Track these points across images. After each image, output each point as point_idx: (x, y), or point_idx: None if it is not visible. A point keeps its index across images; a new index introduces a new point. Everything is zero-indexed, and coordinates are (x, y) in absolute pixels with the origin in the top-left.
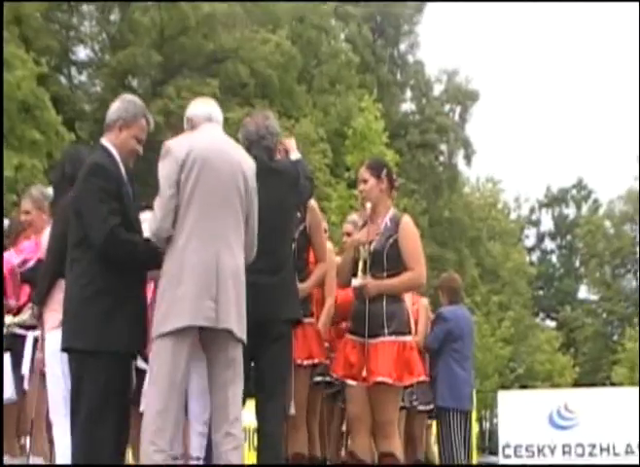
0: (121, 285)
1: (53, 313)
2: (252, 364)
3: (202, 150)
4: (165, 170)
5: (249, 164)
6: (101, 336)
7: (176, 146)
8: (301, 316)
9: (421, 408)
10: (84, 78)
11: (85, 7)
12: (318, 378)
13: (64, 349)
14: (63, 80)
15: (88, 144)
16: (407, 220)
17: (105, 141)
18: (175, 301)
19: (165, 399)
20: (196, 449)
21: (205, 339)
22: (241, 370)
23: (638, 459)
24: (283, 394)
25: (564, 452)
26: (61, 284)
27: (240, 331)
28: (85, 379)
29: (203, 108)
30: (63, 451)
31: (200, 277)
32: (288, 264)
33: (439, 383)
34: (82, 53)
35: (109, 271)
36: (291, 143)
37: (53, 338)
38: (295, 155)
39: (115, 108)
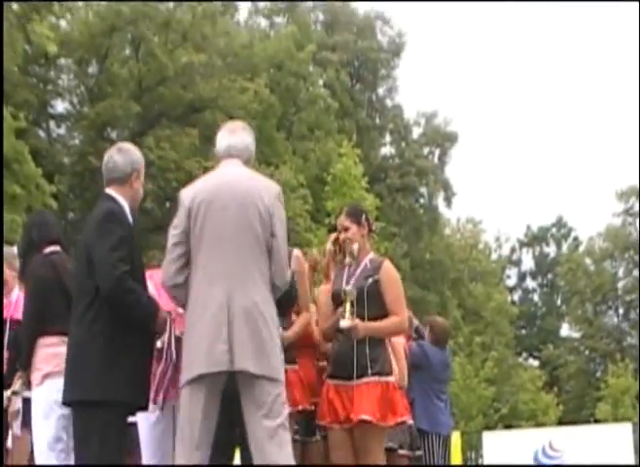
0: (130, 338)
1: (37, 372)
2: None
3: (208, 193)
4: (175, 220)
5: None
6: (106, 386)
7: (184, 194)
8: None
9: (402, 452)
10: (62, 131)
11: (62, 60)
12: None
13: (65, 403)
14: (42, 133)
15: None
16: (388, 264)
17: (113, 193)
18: (190, 349)
19: (187, 453)
20: None
21: (231, 384)
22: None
23: None
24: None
25: None
26: (40, 342)
27: (261, 368)
28: (87, 432)
29: (224, 141)
30: None
31: (211, 321)
32: None
33: (416, 409)
34: (60, 106)
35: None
36: None
37: (41, 394)
38: None
39: (127, 160)
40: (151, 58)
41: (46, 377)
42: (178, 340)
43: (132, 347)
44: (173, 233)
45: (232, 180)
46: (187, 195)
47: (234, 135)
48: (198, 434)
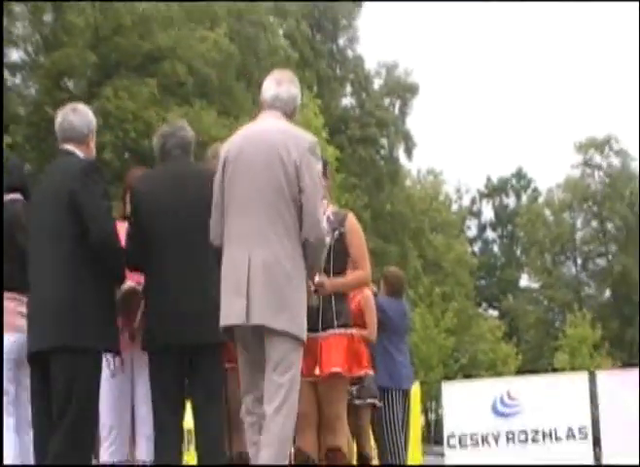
0: (108, 285)
1: None
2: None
3: (237, 146)
4: (215, 177)
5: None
6: (99, 334)
7: (223, 147)
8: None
9: (368, 401)
10: (17, 80)
11: (16, 8)
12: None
13: (57, 348)
14: None
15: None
16: (352, 217)
17: (73, 149)
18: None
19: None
20: (145, 453)
21: (250, 338)
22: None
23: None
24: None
25: (508, 440)
26: None
27: (279, 323)
28: (78, 379)
29: (269, 91)
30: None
31: (231, 278)
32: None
33: (377, 366)
34: (14, 54)
35: (99, 269)
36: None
37: None
38: None
39: (83, 121)
40: (108, 7)
41: None
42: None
43: (110, 295)
44: (214, 189)
45: (263, 133)
46: (223, 148)
47: (281, 86)
48: (246, 380)
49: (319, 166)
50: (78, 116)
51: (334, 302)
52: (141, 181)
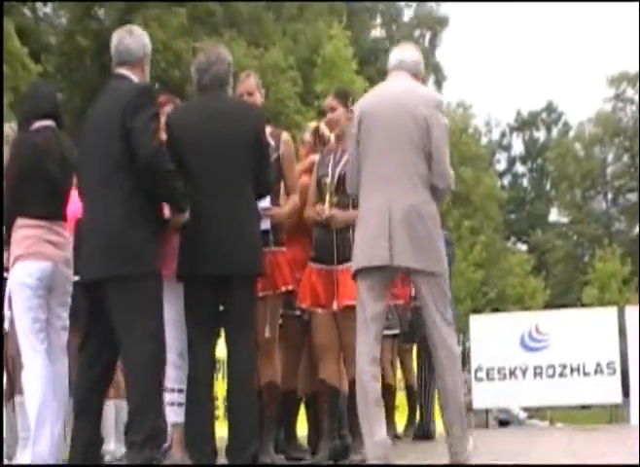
0: (158, 210)
1: (10, 254)
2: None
3: (371, 104)
4: (351, 131)
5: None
6: (157, 259)
7: (357, 105)
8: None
9: (386, 332)
10: (48, 9)
11: None
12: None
13: (116, 276)
14: (27, 11)
15: (54, 78)
16: None
17: (127, 73)
18: (355, 246)
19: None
20: (174, 381)
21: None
22: (443, 300)
23: (620, 377)
24: (253, 328)
25: (535, 374)
26: (16, 223)
27: (420, 263)
28: (148, 303)
29: (395, 55)
30: (35, 388)
31: (374, 223)
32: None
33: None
34: None
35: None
36: (250, 84)
37: (12, 276)
38: (257, 97)
39: (139, 44)
40: None
41: (17, 259)
42: None
43: (163, 221)
44: (351, 143)
45: (394, 92)
46: (357, 106)
47: (404, 51)
48: (370, 313)
49: (445, 120)
50: (134, 38)
51: (350, 234)
52: (177, 114)
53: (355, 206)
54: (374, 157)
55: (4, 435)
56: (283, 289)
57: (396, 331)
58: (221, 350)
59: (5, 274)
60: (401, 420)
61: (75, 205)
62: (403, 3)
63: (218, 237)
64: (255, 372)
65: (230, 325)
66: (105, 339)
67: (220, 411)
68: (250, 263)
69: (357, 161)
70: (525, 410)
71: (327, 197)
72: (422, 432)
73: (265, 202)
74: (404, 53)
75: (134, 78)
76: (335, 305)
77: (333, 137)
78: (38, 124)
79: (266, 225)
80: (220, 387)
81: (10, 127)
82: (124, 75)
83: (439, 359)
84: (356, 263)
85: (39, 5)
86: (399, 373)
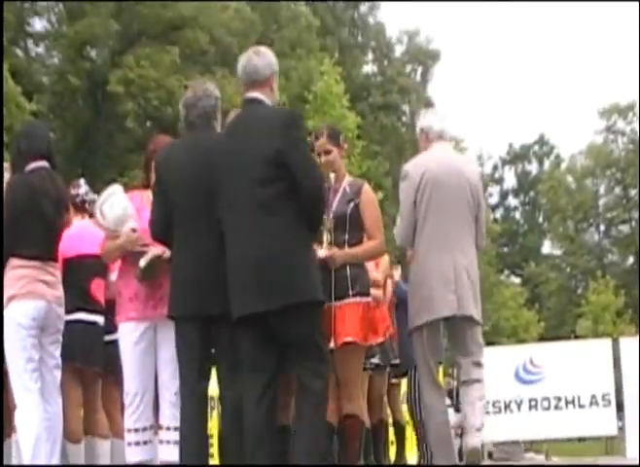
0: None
1: (4, 294)
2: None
3: (434, 172)
4: (404, 192)
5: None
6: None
7: (413, 170)
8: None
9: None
10: (41, 50)
11: None
12: None
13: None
14: (20, 52)
15: (46, 117)
16: (367, 187)
17: (260, 96)
18: (424, 299)
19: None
20: (170, 419)
21: (452, 327)
22: (480, 346)
23: (615, 409)
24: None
25: (530, 406)
26: (9, 263)
27: (478, 315)
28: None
29: (439, 124)
30: (28, 428)
31: (443, 279)
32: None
33: (402, 348)
34: (38, 24)
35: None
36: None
37: (7, 316)
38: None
39: (266, 63)
40: None
41: (10, 299)
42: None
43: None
44: (406, 202)
45: (450, 161)
46: (416, 170)
47: (444, 120)
48: (432, 365)
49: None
50: (261, 58)
51: (348, 270)
52: (165, 152)
53: (350, 245)
54: (436, 218)
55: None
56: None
57: (396, 361)
58: (213, 388)
59: None
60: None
61: (64, 245)
62: (394, 38)
63: (206, 277)
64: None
65: (221, 365)
66: None
67: (214, 448)
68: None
69: (409, 220)
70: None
71: (325, 237)
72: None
73: (320, 252)
74: (444, 123)
75: (267, 101)
76: (332, 343)
77: (332, 177)
78: (33, 164)
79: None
80: (213, 425)
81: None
82: (258, 98)
83: (469, 399)
84: (425, 316)
85: (31, 45)
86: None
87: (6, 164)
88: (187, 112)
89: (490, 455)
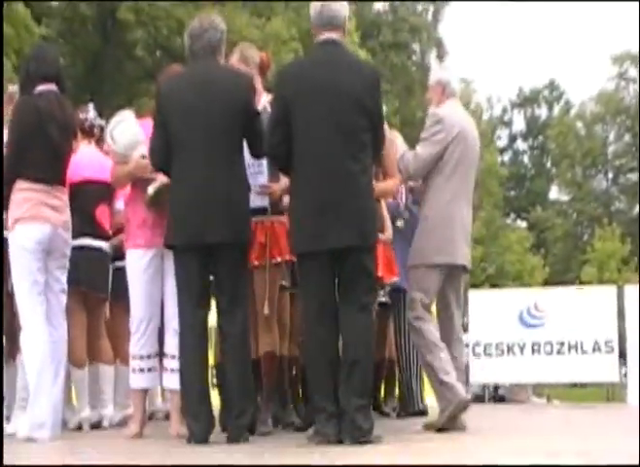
0: None
1: (9, 216)
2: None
3: (466, 129)
4: (438, 136)
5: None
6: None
7: (448, 119)
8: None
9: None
10: None
11: None
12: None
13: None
14: None
15: (56, 42)
16: (386, 127)
17: (341, 40)
18: (447, 241)
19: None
20: (173, 347)
21: (454, 276)
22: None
23: (617, 355)
24: (246, 298)
25: (533, 350)
26: (15, 185)
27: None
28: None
29: (455, 84)
30: (33, 350)
31: (463, 229)
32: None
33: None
34: None
35: None
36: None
37: (12, 238)
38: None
39: (343, 7)
40: None
41: (16, 221)
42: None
43: None
44: (437, 146)
45: (471, 122)
46: (452, 122)
47: (454, 75)
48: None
49: None
50: (338, 3)
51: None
52: (168, 82)
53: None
54: (464, 174)
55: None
56: (279, 259)
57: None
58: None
59: (5, 233)
60: None
61: (70, 169)
62: None
63: (204, 206)
64: (249, 341)
65: (221, 296)
66: None
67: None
68: (237, 231)
69: (436, 160)
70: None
71: None
72: (413, 409)
73: (262, 179)
74: (455, 81)
75: (343, 42)
76: None
77: None
78: (41, 87)
79: (264, 201)
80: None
81: (14, 92)
82: (337, 40)
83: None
84: (446, 258)
85: None
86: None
87: (12, 87)
88: (191, 42)
89: (496, 392)
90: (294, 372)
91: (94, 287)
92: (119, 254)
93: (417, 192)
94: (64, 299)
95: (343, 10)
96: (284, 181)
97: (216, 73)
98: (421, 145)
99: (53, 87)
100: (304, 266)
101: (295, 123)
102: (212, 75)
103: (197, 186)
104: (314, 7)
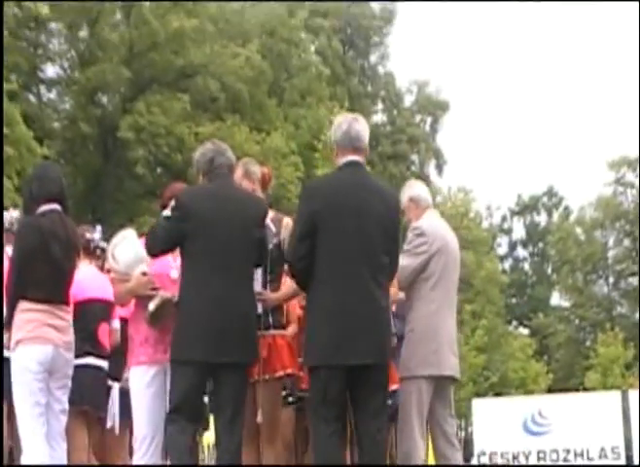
0: None
1: (12, 337)
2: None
3: (446, 239)
4: (420, 248)
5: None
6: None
7: (429, 230)
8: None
9: None
10: (52, 96)
11: (53, 25)
12: (284, 393)
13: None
14: (32, 98)
15: (57, 163)
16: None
17: (363, 162)
18: (432, 352)
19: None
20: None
21: (442, 386)
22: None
23: (625, 462)
24: (243, 414)
25: (539, 458)
26: (18, 306)
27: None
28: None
29: (427, 196)
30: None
31: (449, 339)
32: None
33: None
34: (50, 70)
35: None
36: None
37: (14, 359)
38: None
39: (366, 131)
40: (142, 23)
41: (18, 343)
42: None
43: None
44: (420, 258)
45: (449, 231)
46: (432, 234)
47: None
48: (424, 418)
49: None
50: (362, 125)
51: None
52: (191, 189)
53: (273, 281)
54: (448, 281)
55: None
56: (282, 373)
57: None
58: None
59: (5, 353)
60: None
61: (76, 288)
62: (404, 88)
63: (222, 322)
64: (241, 457)
65: (224, 412)
66: None
67: None
68: (250, 352)
69: (420, 272)
70: None
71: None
72: None
73: (257, 286)
74: (425, 192)
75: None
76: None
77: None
78: (45, 207)
79: (258, 308)
80: None
81: (8, 220)
82: (360, 163)
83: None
84: (431, 370)
85: (43, 91)
86: None
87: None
88: (213, 156)
89: None
90: None
91: (97, 406)
92: (113, 374)
93: (399, 306)
94: (64, 419)
95: (366, 132)
96: (282, 291)
97: (236, 192)
98: (404, 257)
99: (56, 206)
100: (319, 377)
101: (320, 238)
102: (233, 193)
103: (211, 303)
104: (339, 125)
